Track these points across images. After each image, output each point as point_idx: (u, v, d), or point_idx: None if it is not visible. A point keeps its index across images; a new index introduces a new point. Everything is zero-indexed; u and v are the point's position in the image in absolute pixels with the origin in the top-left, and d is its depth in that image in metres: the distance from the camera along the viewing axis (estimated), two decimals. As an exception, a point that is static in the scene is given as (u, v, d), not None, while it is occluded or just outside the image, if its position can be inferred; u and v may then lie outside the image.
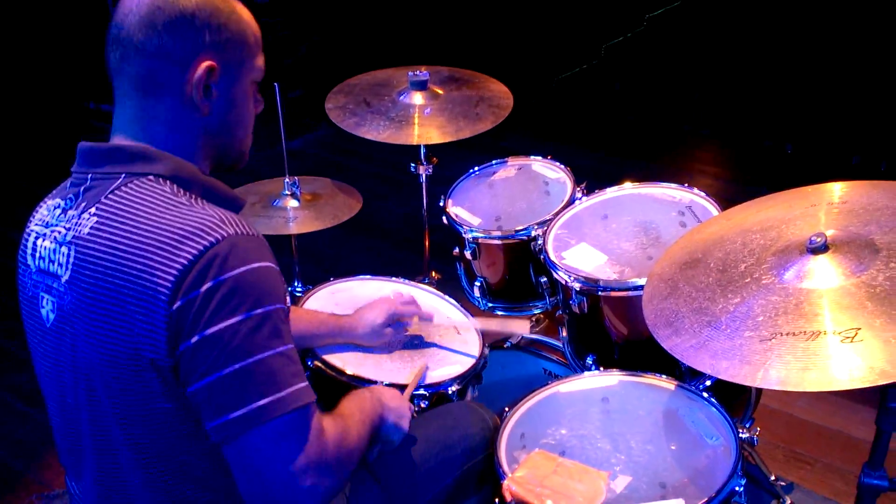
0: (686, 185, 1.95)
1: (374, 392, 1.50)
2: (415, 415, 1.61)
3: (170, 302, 1.10)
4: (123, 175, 1.19)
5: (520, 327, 1.95)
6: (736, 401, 1.92)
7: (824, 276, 1.31)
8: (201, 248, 1.11)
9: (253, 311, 1.12)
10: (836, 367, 1.19)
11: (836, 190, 1.52)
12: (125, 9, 1.20)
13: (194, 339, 1.11)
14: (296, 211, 2.19)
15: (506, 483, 1.43)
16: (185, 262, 1.10)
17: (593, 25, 5.04)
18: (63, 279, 1.19)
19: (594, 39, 5.07)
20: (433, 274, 2.41)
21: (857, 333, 1.21)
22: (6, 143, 4.76)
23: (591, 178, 2.15)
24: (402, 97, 2.23)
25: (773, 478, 2.00)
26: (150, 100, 1.22)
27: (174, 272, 1.10)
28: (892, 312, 1.21)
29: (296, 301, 1.97)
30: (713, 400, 1.56)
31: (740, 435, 1.49)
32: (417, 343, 1.86)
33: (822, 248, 1.34)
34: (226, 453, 1.16)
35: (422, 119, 2.17)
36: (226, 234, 1.13)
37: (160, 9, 1.18)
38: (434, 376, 1.76)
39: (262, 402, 1.12)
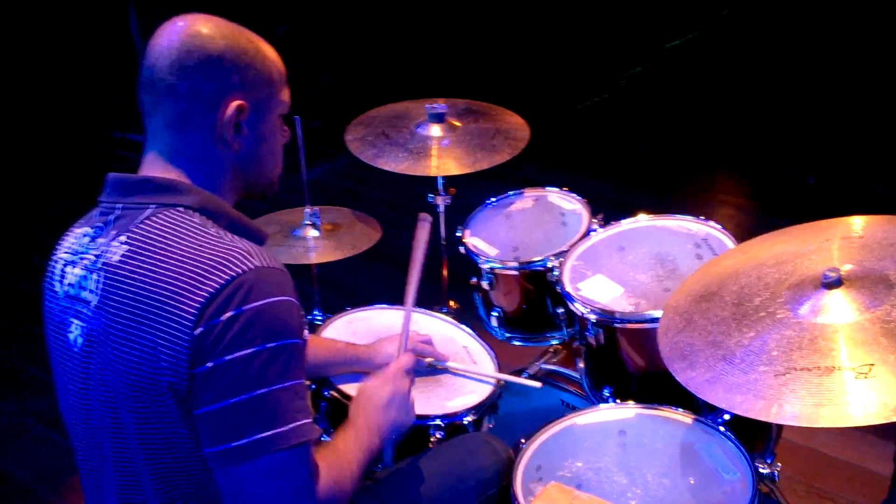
0: (702, 217, 1.96)
1: (369, 418, 1.47)
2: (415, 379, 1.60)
3: (193, 327, 1.13)
4: (154, 205, 1.24)
5: (532, 383, 1.91)
6: (757, 436, 1.90)
7: (839, 311, 1.32)
8: (227, 278, 1.15)
9: (267, 344, 1.15)
10: (851, 402, 1.19)
11: (851, 224, 1.52)
12: (156, 52, 1.25)
13: (209, 365, 1.14)
14: (316, 240, 2.22)
15: (521, 515, 1.44)
16: (212, 290, 1.14)
17: (612, 56, 5.07)
18: (92, 304, 1.23)
19: (613, 69, 5.10)
20: (451, 303, 2.42)
21: (871, 369, 1.21)
22: (32, 170, 4.86)
23: (609, 207, 2.16)
24: (419, 129, 2.27)
25: (793, 513, 1.98)
26: (181, 137, 1.26)
27: (200, 300, 1.14)
28: (907, 348, 1.21)
29: (314, 329, 2.00)
30: (730, 434, 1.56)
31: (761, 470, 1.49)
32: (433, 372, 1.87)
33: (836, 283, 1.35)
34: (219, 479, 1.19)
35: (439, 151, 2.20)
36: (251, 267, 1.17)
37: (190, 52, 1.23)
38: (450, 406, 1.78)
39: (263, 435, 1.15)
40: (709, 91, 4.81)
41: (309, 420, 1.20)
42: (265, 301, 1.16)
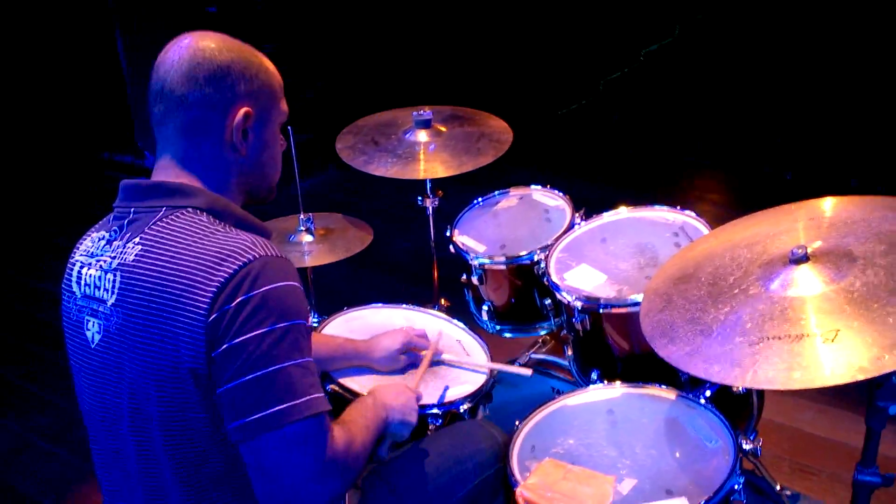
0: (678, 207, 2.06)
1: (378, 397, 1.60)
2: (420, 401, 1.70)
3: (208, 315, 1.22)
4: (165, 208, 1.33)
5: (523, 371, 1.99)
6: (739, 414, 1.99)
7: (807, 284, 1.41)
8: (236, 266, 1.24)
9: (277, 325, 1.24)
10: (819, 365, 1.28)
11: (818, 206, 1.62)
12: (166, 66, 1.34)
13: (224, 347, 1.23)
14: (310, 245, 2.31)
15: (518, 490, 1.52)
16: (222, 279, 1.23)
17: (590, 62, 5.19)
18: (109, 303, 1.32)
19: (593, 75, 5.22)
20: (442, 301, 2.51)
21: (837, 334, 1.30)
22: (21, 192, 4.90)
23: (594, 208, 2.25)
24: (407, 135, 2.36)
25: (778, 488, 2.07)
26: (193, 143, 1.36)
27: (213, 289, 1.23)
28: (868, 314, 1.30)
29: (313, 329, 2.07)
30: (712, 406, 1.65)
31: (744, 446, 1.57)
32: (429, 364, 1.95)
33: (803, 259, 1.44)
34: (243, 453, 1.27)
35: (427, 155, 2.29)
36: (258, 255, 1.26)
37: (199, 64, 1.33)
38: (447, 396, 1.85)
39: (280, 407, 1.24)
40: (687, 93, 4.94)
41: (321, 394, 1.29)
42: (272, 286, 1.25)
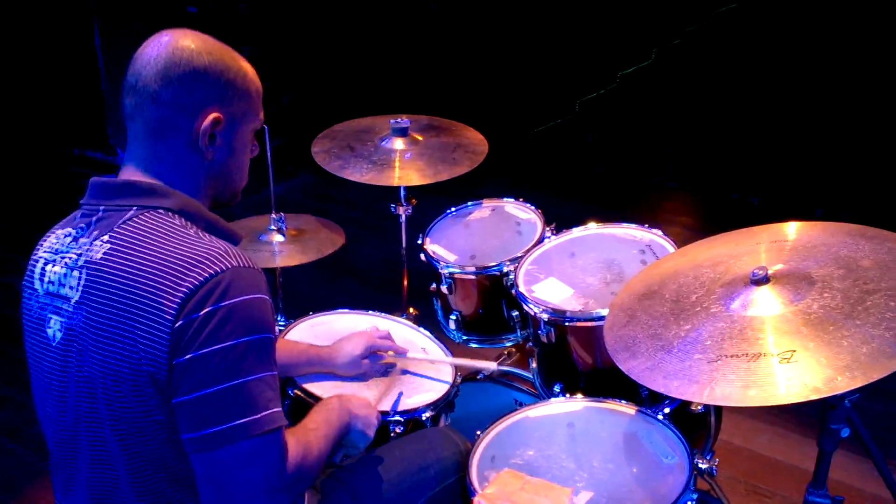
0: (646, 225, 2.09)
1: (343, 401, 1.61)
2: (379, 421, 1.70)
3: (174, 320, 1.21)
4: (135, 207, 1.32)
5: (487, 364, 2.05)
6: (696, 433, 2.02)
7: (766, 304, 1.45)
8: (206, 275, 1.23)
9: (243, 338, 1.24)
10: (775, 384, 1.31)
11: (780, 229, 1.66)
12: (143, 60, 1.33)
13: (187, 357, 1.22)
14: (281, 245, 2.30)
15: (476, 499, 1.53)
16: (191, 286, 1.22)
17: (568, 82, 5.25)
18: (73, 300, 1.30)
19: (569, 95, 5.28)
20: (410, 310, 2.51)
21: (793, 355, 1.34)
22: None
23: (563, 225, 2.28)
24: (383, 143, 2.37)
25: (732, 508, 2.10)
26: (159, 143, 1.34)
27: (180, 295, 1.22)
28: (824, 336, 1.34)
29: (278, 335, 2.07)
30: (669, 423, 1.68)
31: (700, 465, 1.60)
32: (393, 371, 1.96)
33: (763, 280, 1.47)
34: (194, 462, 1.26)
35: (402, 163, 2.30)
36: (229, 266, 1.25)
37: (176, 64, 1.31)
38: (408, 403, 1.86)
39: (238, 422, 1.23)
40: (659, 116, 5.01)
41: (279, 409, 1.29)
42: (241, 298, 1.24)
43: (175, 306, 1.21)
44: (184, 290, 1.22)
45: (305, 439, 1.40)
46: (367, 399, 1.72)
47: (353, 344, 1.89)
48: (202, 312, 1.22)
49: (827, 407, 1.48)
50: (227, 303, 1.23)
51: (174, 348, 1.22)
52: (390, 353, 1.94)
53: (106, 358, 1.26)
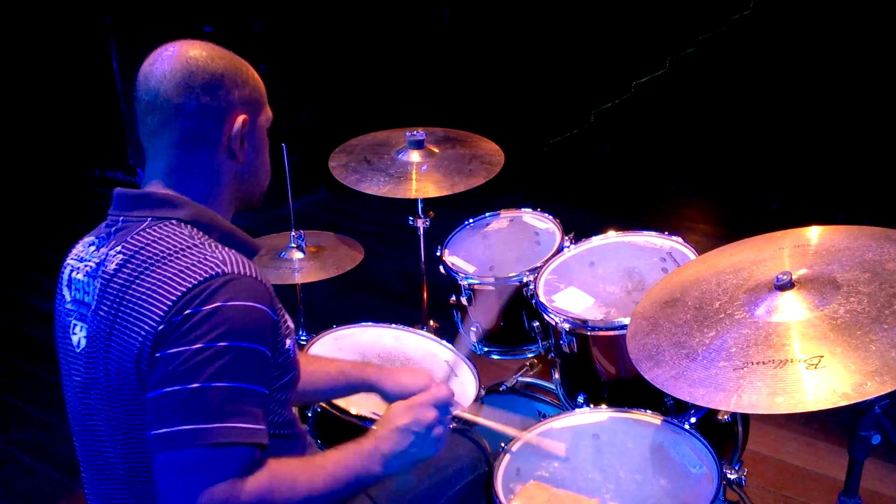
0: (666, 232, 2.08)
1: (378, 445, 1.41)
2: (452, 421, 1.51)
3: (158, 325, 1.21)
4: (150, 218, 1.33)
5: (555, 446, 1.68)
6: (724, 443, 2.00)
7: (791, 310, 1.43)
8: (196, 280, 1.23)
9: (216, 343, 1.19)
10: (803, 391, 1.29)
11: (803, 234, 1.64)
12: (157, 77, 1.33)
13: (158, 354, 1.21)
14: (301, 262, 2.31)
15: (502, 511, 1.51)
16: (181, 292, 1.22)
17: (582, 92, 5.25)
18: (91, 308, 1.32)
19: (584, 105, 5.28)
20: (431, 323, 2.51)
21: (820, 360, 1.32)
22: (10, 206, 4.88)
23: (581, 234, 2.27)
24: (400, 155, 2.37)
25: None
26: (188, 154, 1.35)
27: (170, 300, 1.22)
28: (852, 341, 1.32)
29: (300, 348, 2.07)
30: (696, 432, 1.66)
31: (728, 475, 1.58)
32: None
33: (788, 286, 1.46)
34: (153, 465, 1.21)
35: (419, 175, 2.31)
36: (223, 272, 1.24)
37: (194, 73, 1.32)
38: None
39: (183, 428, 1.17)
40: (675, 125, 4.99)
41: (249, 426, 1.20)
42: (228, 303, 1.21)
43: (163, 311, 1.21)
44: (174, 295, 1.22)
45: (293, 473, 1.28)
46: (417, 411, 1.45)
47: (414, 377, 1.66)
48: (184, 313, 1.20)
49: (856, 413, 1.45)
50: (208, 306, 1.20)
51: (152, 351, 1.21)
52: (457, 411, 1.70)
53: (108, 365, 1.27)
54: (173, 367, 1.19)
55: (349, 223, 4.46)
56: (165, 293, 1.22)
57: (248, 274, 1.26)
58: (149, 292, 1.24)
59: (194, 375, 1.18)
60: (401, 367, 1.88)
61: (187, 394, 1.18)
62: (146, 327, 1.22)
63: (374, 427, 1.45)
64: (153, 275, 1.25)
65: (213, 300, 1.21)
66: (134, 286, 1.26)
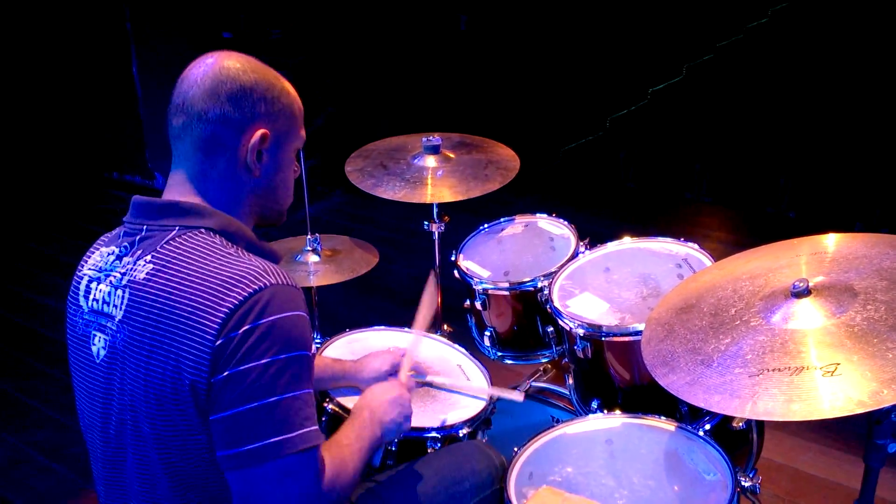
0: (682, 238, 2.07)
1: (373, 412, 1.57)
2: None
3: (215, 339, 1.23)
4: (178, 227, 1.34)
5: (512, 394, 1.96)
6: (738, 451, 1.99)
7: (808, 317, 1.42)
8: (247, 294, 1.25)
9: (280, 356, 1.25)
10: (819, 398, 1.28)
11: (819, 242, 1.64)
12: (190, 81, 1.36)
13: (225, 374, 1.23)
14: (316, 265, 2.33)
15: (515, 516, 1.51)
16: (232, 305, 1.24)
17: (598, 99, 5.25)
18: (117, 319, 1.33)
19: (599, 112, 5.28)
20: (445, 327, 2.51)
21: (837, 368, 1.31)
22: (29, 209, 4.94)
23: (597, 240, 2.27)
24: (416, 160, 2.38)
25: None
26: (207, 160, 1.37)
27: (222, 314, 1.24)
28: (869, 349, 1.31)
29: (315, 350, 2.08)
30: (711, 439, 1.65)
31: (743, 483, 1.57)
32: (429, 387, 1.95)
33: (805, 293, 1.45)
34: (230, 480, 1.28)
35: (434, 180, 2.32)
36: (268, 283, 1.27)
37: (223, 83, 1.35)
38: (446, 419, 1.86)
39: (274, 440, 1.24)
40: (691, 132, 4.98)
41: (315, 427, 1.29)
42: (279, 315, 1.26)
43: (217, 325, 1.23)
44: (225, 308, 1.24)
45: (340, 456, 1.40)
46: (395, 386, 1.67)
47: (380, 360, 1.88)
48: (241, 330, 1.23)
49: (872, 422, 1.44)
50: (265, 320, 1.24)
51: (213, 366, 1.23)
52: (411, 372, 1.88)
53: (148, 377, 1.28)
54: (248, 384, 1.23)
55: (364, 227, 4.48)
56: (214, 305, 1.24)
57: (286, 283, 1.30)
58: (195, 303, 1.25)
59: (270, 390, 1.24)
60: (368, 355, 1.91)
61: (266, 408, 1.24)
62: (198, 339, 1.24)
63: (360, 400, 1.62)
64: (196, 285, 1.26)
65: (267, 314, 1.25)
66: (175, 296, 1.27)
